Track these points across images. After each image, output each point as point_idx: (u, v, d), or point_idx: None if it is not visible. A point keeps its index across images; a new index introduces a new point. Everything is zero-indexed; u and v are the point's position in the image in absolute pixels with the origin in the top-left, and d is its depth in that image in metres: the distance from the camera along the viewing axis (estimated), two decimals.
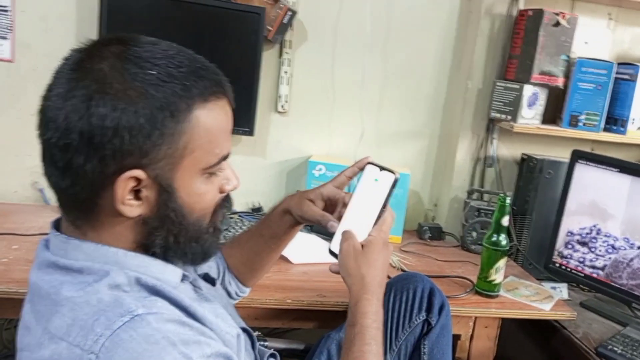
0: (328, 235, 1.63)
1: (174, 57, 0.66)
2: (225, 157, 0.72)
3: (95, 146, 0.62)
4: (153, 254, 0.71)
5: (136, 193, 0.66)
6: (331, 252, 0.98)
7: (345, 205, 0.98)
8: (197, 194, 0.70)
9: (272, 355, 0.95)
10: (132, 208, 0.66)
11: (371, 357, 0.84)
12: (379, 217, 0.93)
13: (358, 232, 0.94)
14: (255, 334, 1.19)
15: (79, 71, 0.63)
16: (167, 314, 0.63)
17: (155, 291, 0.67)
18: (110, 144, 0.62)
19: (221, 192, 0.75)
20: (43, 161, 0.67)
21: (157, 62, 0.64)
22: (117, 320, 0.60)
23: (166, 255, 0.72)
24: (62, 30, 1.65)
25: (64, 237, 0.69)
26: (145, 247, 0.70)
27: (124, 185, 0.64)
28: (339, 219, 0.98)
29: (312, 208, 1.01)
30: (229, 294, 1.10)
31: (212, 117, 0.68)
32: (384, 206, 0.93)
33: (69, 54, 0.67)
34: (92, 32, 1.59)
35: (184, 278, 0.75)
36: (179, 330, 0.62)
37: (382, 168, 0.96)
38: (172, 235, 0.70)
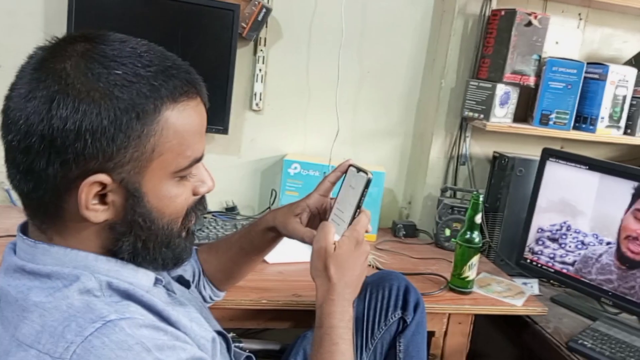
0: None
1: (142, 55, 0.63)
2: (197, 160, 0.70)
3: (57, 149, 0.60)
4: (122, 260, 0.69)
5: (102, 198, 0.64)
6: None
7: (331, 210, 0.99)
8: (167, 197, 0.68)
9: (247, 357, 0.94)
10: (98, 213, 0.64)
11: (339, 356, 0.84)
12: (354, 217, 0.94)
13: (337, 234, 0.94)
14: (230, 335, 1.18)
15: (41, 71, 0.61)
16: (140, 318, 0.62)
17: (127, 295, 0.65)
18: (73, 147, 0.60)
19: (195, 194, 0.73)
20: (6, 163, 0.65)
21: (123, 62, 0.62)
22: (89, 326, 0.58)
23: (135, 260, 0.69)
24: (30, 27, 1.61)
25: (31, 241, 0.66)
26: (113, 253, 0.68)
27: (87, 190, 0.62)
28: None
29: (298, 227, 1.00)
30: (203, 298, 1.09)
31: (182, 118, 0.65)
32: (358, 206, 0.94)
33: (33, 52, 0.64)
34: (61, 29, 1.55)
35: (157, 282, 0.74)
36: (153, 336, 0.61)
37: (359, 169, 0.97)
38: (140, 241, 0.68)
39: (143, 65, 0.63)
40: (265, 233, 1.05)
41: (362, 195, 0.94)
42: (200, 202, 0.75)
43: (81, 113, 0.59)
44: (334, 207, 0.99)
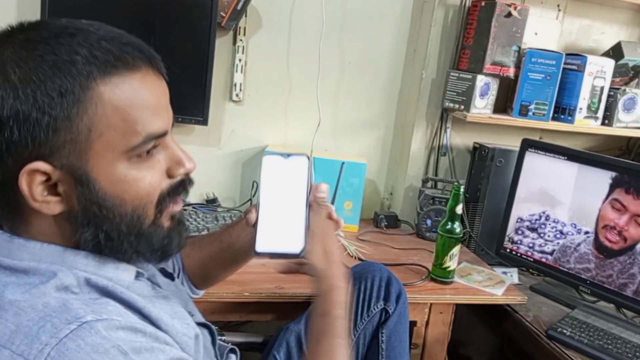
0: None
1: (73, 35, 0.60)
2: (155, 136, 0.64)
3: None
4: (99, 253, 0.66)
5: (53, 188, 0.61)
6: (257, 254, 0.84)
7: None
8: (124, 181, 0.63)
9: (231, 350, 0.93)
10: (50, 205, 0.61)
11: (342, 350, 0.79)
12: (308, 203, 0.85)
13: (287, 223, 0.85)
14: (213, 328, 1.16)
15: None
16: (117, 320, 0.59)
17: (106, 292, 0.64)
18: (1, 137, 0.58)
19: (170, 176, 0.68)
20: None
21: (49, 42, 0.59)
22: (64, 327, 0.56)
23: (102, 252, 0.65)
24: (1, 16, 1.56)
25: (7, 235, 0.64)
26: (78, 245, 0.65)
27: (28, 180, 0.59)
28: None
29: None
30: None
31: (121, 92, 0.60)
32: (310, 189, 0.86)
33: None
34: (35, 18, 1.51)
35: (139, 275, 0.72)
36: (130, 338, 0.59)
37: (286, 155, 0.87)
38: (102, 232, 0.64)
39: (74, 43, 0.59)
40: (244, 229, 0.97)
41: (309, 183, 0.84)
42: (180, 186, 0.69)
43: (1, 100, 0.57)
44: (262, 199, 0.86)
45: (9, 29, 0.62)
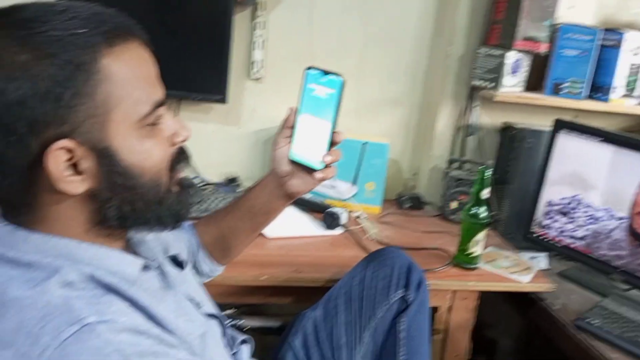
0: (305, 207, 1.60)
1: (63, 11, 0.59)
2: (159, 104, 0.66)
3: (7, 127, 0.57)
4: (109, 229, 0.66)
5: (75, 167, 0.61)
6: (290, 160, 0.91)
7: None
8: (142, 150, 0.64)
9: (244, 340, 0.91)
10: (75, 184, 0.61)
11: None
12: (333, 132, 0.89)
13: (315, 137, 0.89)
14: (230, 312, 1.15)
15: None
16: (121, 321, 0.58)
17: (111, 289, 0.62)
18: (22, 119, 0.57)
19: (172, 145, 0.70)
20: None
21: (44, 20, 0.58)
22: (66, 329, 0.55)
23: (124, 225, 0.67)
24: None
25: (11, 227, 0.63)
26: (101, 223, 0.65)
27: (54, 160, 0.59)
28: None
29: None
30: (202, 273, 1.06)
31: (124, 63, 0.62)
32: (337, 113, 0.89)
33: None
34: None
35: (146, 267, 0.71)
36: (133, 341, 0.57)
37: (324, 72, 0.89)
38: (126, 203, 0.65)
39: (68, 18, 0.59)
40: (263, 189, 0.98)
41: (339, 103, 0.88)
42: (182, 153, 0.72)
43: (16, 81, 0.56)
44: (299, 123, 0.91)
45: None
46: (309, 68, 0.90)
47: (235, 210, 1.02)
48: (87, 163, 0.61)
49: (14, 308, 0.57)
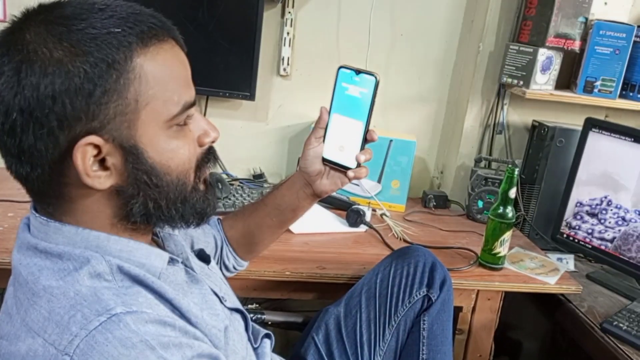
0: (329, 204, 1.60)
1: (102, 9, 0.61)
2: (189, 105, 0.67)
3: (39, 120, 0.58)
4: (134, 224, 0.67)
5: (101, 163, 0.62)
6: (323, 160, 0.95)
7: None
8: (169, 150, 0.65)
9: (266, 335, 0.92)
10: (101, 179, 0.62)
11: None
12: (366, 131, 0.90)
13: (348, 137, 0.91)
14: (253, 306, 1.17)
15: (4, 46, 0.59)
16: (147, 312, 0.59)
17: (138, 281, 0.64)
18: (53, 113, 0.58)
19: (200, 145, 0.71)
20: (1, 153, 0.63)
21: (83, 17, 0.59)
22: (94, 319, 0.57)
23: (149, 221, 0.68)
24: None
25: (43, 219, 0.65)
26: (126, 218, 0.66)
27: (82, 155, 0.60)
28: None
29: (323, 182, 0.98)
30: (226, 268, 1.08)
31: (158, 63, 0.62)
32: (369, 117, 0.90)
33: None
34: None
35: (172, 261, 0.72)
36: (159, 332, 0.59)
37: (357, 71, 0.90)
38: (151, 200, 0.66)
39: (106, 17, 0.60)
40: (291, 187, 1.01)
41: (373, 102, 0.88)
42: (210, 153, 0.73)
43: (50, 76, 0.57)
44: (331, 122, 0.93)
45: (25, 12, 0.62)
46: (342, 67, 0.90)
47: (263, 207, 1.05)
48: (114, 159, 0.62)
49: (45, 297, 0.60)
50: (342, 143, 0.92)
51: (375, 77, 0.87)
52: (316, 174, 0.96)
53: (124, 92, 0.60)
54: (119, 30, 0.60)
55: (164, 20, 0.65)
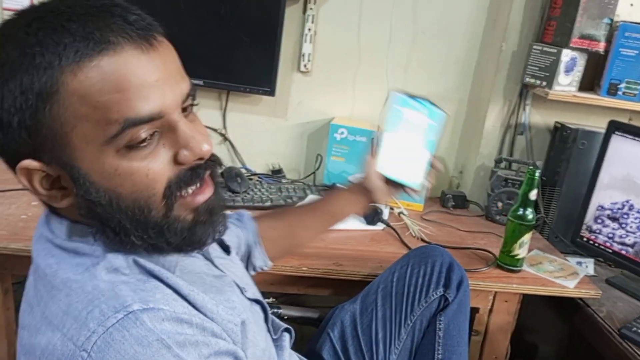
0: None
1: (43, 17, 0.56)
2: (139, 121, 0.56)
3: None
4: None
5: (58, 182, 0.60)
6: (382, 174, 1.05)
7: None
8: (115, 175, 0.58)
9: (286, 329, 0.92)
10: (58, 198, 0.61)
11: None
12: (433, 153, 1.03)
13: (408, 166, 1.02)
14: (269, 300, 1.17)
15: None
16: (164, 309, 0.58)
17: (153, 275, 0.63)
18: None
19: (178, 163, 0.61)
20: None
21: (17, 36, 0.56)
22: (111, 316, 0.56)
23: (113, 245, 0.62)
24: None
25: (57, 216, 0.65)
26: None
27: (25, 177, 0.60)
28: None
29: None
30: (253, 267, 1.08)
31: (88, 78, 0.54)
32: (437, 142, 1.03)
33: None
34: None
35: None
36: (175, 330, 0.58)
37: (412, 95, 1.00)
38: (107, 226, 0.60)
39: (40, 30, 0.55)
40: (347, 196, 1.11)
41: (439, 135, 1.01)
42: (193, 173, 0.62)
43: None
44: (386, 141, 1.02)
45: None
46: (395, 91, 1.00)
47: (313, 210, 1.13)
48: (65, 181, 0.60)
49: (64, 290, 0.60)
50: (403, 163, 1.02)
51: (445, 114, 0.99)
52: (377, 190, 1.06)
53: (45, 117, 0.56)
54: (41, 49, 0.54)
55: (129, 17, 0.57)
